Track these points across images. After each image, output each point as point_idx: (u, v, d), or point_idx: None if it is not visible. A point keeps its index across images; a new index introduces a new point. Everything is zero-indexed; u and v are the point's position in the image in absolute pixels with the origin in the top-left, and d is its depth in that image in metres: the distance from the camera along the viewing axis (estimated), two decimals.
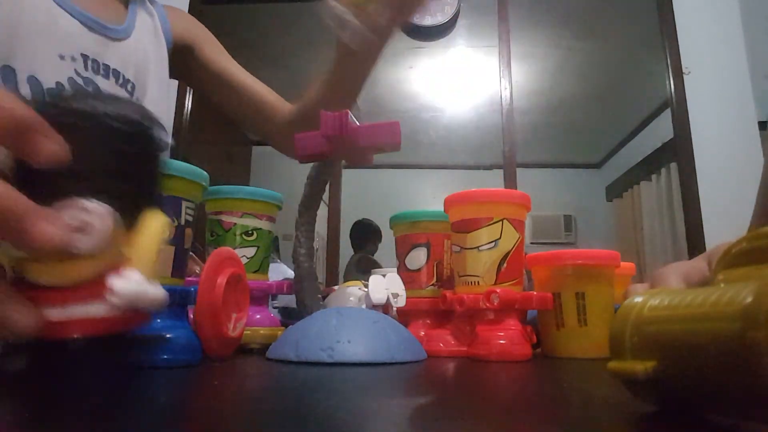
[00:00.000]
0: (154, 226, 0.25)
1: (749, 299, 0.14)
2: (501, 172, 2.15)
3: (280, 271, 2.14)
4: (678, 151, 2.10)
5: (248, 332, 0.44)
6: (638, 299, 0.19)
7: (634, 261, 0.64)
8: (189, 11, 2.00)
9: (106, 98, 0.24)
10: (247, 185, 0.52)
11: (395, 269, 0.55)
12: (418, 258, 0.52)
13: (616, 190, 3.72)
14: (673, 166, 2.65)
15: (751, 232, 0.18)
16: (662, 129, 2.58)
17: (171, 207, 0.36)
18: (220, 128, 3.36)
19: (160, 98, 0.71)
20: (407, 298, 0.46)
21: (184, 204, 0.37)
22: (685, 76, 2.10)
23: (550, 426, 0.19)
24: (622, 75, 3.02)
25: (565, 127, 3.55)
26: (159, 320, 0.33)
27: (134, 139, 0.24)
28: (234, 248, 0.45)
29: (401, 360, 0.37)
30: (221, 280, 0.35)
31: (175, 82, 0.84)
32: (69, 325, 0.22)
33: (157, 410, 0.20)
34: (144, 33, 0.69)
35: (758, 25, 2.12)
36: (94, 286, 0.23)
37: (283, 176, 1.55)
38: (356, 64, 0.64)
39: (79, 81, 0.58)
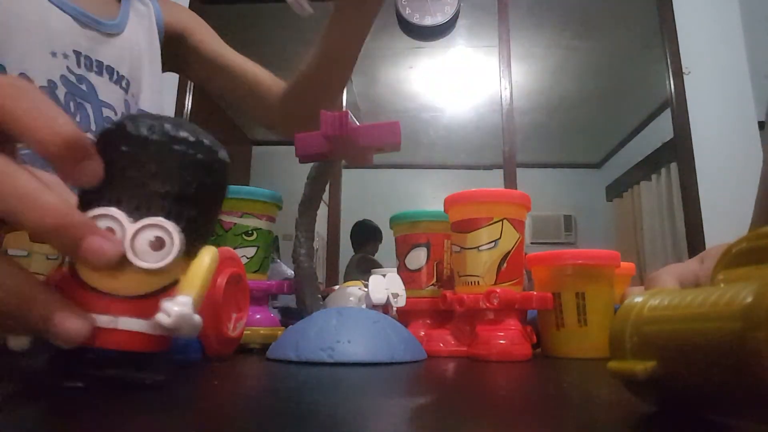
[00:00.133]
0: (208, 258, 0.25)
1: (749, 299, 0.14)
2: (501, 172, 2.16)
3: (280, 271, 2.14)
4: (678, 151, 2.11)
5: (248, 332, 0.44)
6: (638, 299, 0.19)
7: (634, 261, 0.64)
8: None
9: (176, 122, 0.25)
10: (247, 185, 0.52)
11: (395, 269, 0.55)
12: (418, 258, 0.52)
13: (616, 190, 3.73)
14: (673, 166, 2.66)
15: (751, 232, 0.18)
16: (662, 129, 2.58)
17: None
18: (220, 128, 3.36)
19: (155, 94, 0.70)
20: (407, 298, 0.46)
21: None
22: (685, 76, 2.10)
23: (550, 426, 0.19)
24: (622, 75, 3.02)
25: (565, 127, 3.56)
26: None
27: (207, 167, 0.25)
28: (234, 248, 0.45)
29: (401, 360, 0.37)
30: (221, 280, 0.35)
31: (169, 78, 0.83)
32: (114, 336, 0.23)
33: (156, 410, 0.20)
34: (138, 27, 0.68)
35: (758, 25, 2.12)
36: (147, 303, 0.23)
37: (283, 176, 1.55)
38: (348, 33, 0.62)
39: (72, 78, 0.57)
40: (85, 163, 0.22)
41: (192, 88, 2.33)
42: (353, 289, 0.51)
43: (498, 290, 0.42)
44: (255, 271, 0.50)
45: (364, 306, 0.46)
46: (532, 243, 3.64)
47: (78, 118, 0.57)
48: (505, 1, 2.28)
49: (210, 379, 0.30)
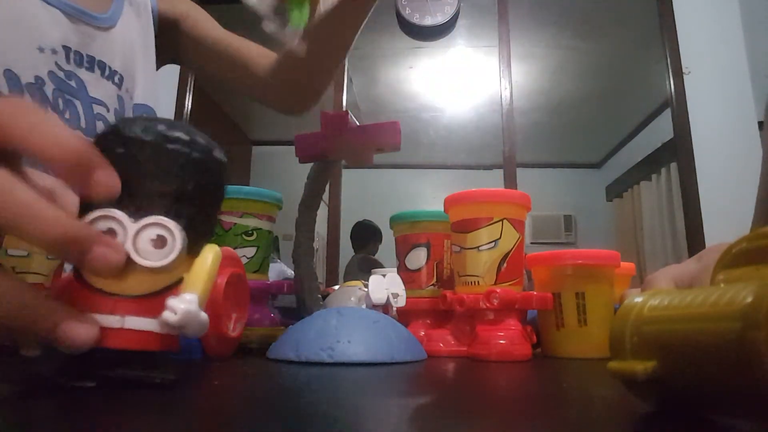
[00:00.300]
0: (212, 255, 0.25)
1: (749, 299, 0.14)
2: (501, 172, 2.16)
3: (280, 271, 2.15)
4: (678, 151, 2.11)
5: (248, 332, 0.44)
6: (638, 299, 0.19)
7: (634, 261, 0.64)
8: None
9: (170, 123, 0.25)
10: (247, 185, 0.52)
11: (395, 269, 0.55)
12: (418, 258, 0.52)
13: (616, 190, 3.72)
14: (673, 166, 2.65)
15: (751, 232, 0.18)
16: (662, 129, 2.58)
17: None
18: (220, 128, 3.36)
19: (150, 89, 0.68)
20: (407, 298, 0.46)
21: None
22: (685, 76, 2.10)
23: (550, 426, 0.19)
24: (622, 75, 3.02)
25: (565, 127, 3.55)
26: None
27: (203, 165, 0.25)
28: (234, 248, 0.45)
29: (401, 360, 0.37)
30: (221, 280, 0.35)
31: (169, 78, 0.82)
32: (122, 335, 0.23)
33: (157, 410, 0.20)
34: (132, 19, 0.66)
35: (758, 25, 2.12)
36: (153, 302, 0.23)
37: (283, 176, 1.55)
38: (343, 16, 0.60)
39: (60, 75, 0.55)
40: (98, 174, 0.22)
41: (192, 88, 2.33)
42: (353, 289, 0.51)
43: (498, 290, 0.42)
44: (255, 271, 0.50)
45: (364, 306, 0.46)
46: (532, 243, 3.63)
47: (67, 115, 0.55)
48: (505, 1, 2.28)
49: (210, 379, 0.30)
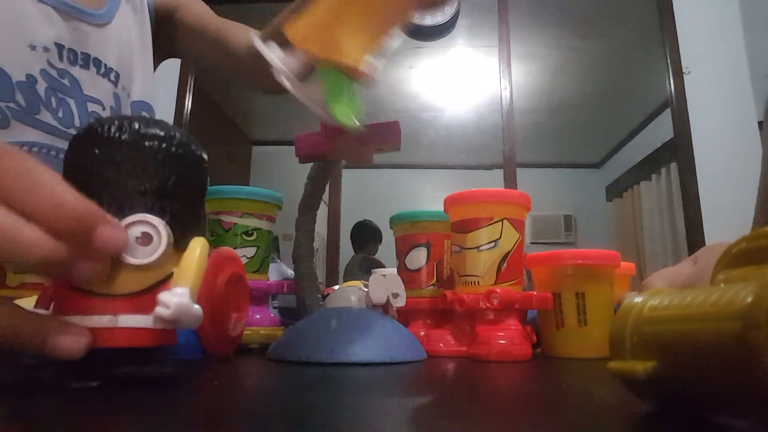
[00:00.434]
0: (199, 248, 0.26)
1: (749, 299, 0.14)
2: (501, 172, 2.16)
3: (280, 271, 2.14)
4: (678, 151, 2.11)
5: (248, 332, 0.44)
6: (638, 299, 0.19)
7: (634, 261, 0.64)
8: None
9: (146, 120, 0.25)
10: (247, 185, 0.52)
11: (395, 269, 0.55)
12: (418, 258, 0.52)
13: (616, 190, 3.72)
14: (673, 166, 2.66)
15: (751, 232, 0.18)
16: (662, 129, 2.58)
17: None
18: (220, 128, 3.37)
19: (148, 85, 0.67)
20: (407, 298, 0.46)
21: None
22: (685, 76, 2.10)
23: (550, 426, 0.19)
24: (622, 75, 3.02)
25: (565, 127, 3.55)
26: None
27: (182, 160, 0.25)
28: (234, 248, 0.45)
29: (401, 360, 0.37)
30: (221, 280, 0.35)
31: (169, 78, 0.81)
32: (117, 334, 0.23)
33: (156, 409, 0.20)
34: (128, 16, 0.65)
35: (758, 25, 2.12)
36: (144, 299, 0.23)
37: (283, 176, 1.55)
38: None
39: (53, 73, 0.54)
40: (101, 230, 0.22)
41: (192, 87, 2.33)
42: (353, 289, 0.51)
43: (498, 290, 0.42)
44: (255, 271, 0.50)
45: (364, 306, 0.46)
46: (532, 243, 3.63)
47: (60, 114, 0.55)
48: (505, 1, 2.28)
49: (210, 379, 0.30)
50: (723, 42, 2.12)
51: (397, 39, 0.39)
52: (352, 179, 2.47)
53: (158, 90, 0.72)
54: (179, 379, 0.25)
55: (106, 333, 0.23)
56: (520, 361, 0.41)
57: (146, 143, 0.24)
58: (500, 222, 0.44)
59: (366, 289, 0.47)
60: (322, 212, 2.25)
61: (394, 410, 0.22)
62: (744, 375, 0.14)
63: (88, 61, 0.58)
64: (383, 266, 2.08)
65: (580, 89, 3.21)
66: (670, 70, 2.12)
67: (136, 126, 0.24)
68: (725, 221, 1.84)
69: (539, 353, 0.48)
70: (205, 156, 0.27)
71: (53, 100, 0.54)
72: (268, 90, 0.73)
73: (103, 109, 0.60)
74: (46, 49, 0.54)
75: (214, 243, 0.49)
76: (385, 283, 0.45)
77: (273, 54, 0.34)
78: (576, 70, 3.04)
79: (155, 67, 0.72)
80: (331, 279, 2.26)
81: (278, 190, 0.52)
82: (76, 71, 0.57)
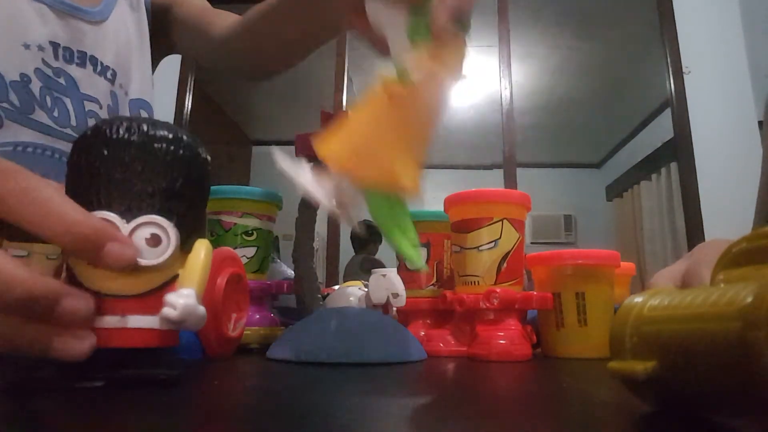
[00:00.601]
0: (204, 250, 0.26)
1: (749, 299, 0.14)
2: (501, 172, 2.16)
3: (280, 271, 2.14)
4: (678, 150, 2.11)
5: (248, 332, 0.44)
6: (638, 299, 0.19)
7: (634, 261, 0.64)
8: None
9: (153, 121, 0.25)
10: (247, 185, 0.52)
11: (395, 269, 0.55)
12: None
13: (616, 190, 3.73)
14: (673, 165, 2.66)
15: (751, 232, 0.18)
16: (662, 129, 2.59)
17: None
18: (220, 128, 3.37)
19: (146, 83, 0.66)
20: (407, 298, 0.46)
21: None
22: (685, 76, 2.10)
23: (550, 426, 0.19)
24: (622, 75, 3.02)
25: (565, 127, 3.56)
26: None
27: (189, 162, 0.26)
28: (234, 248, 0.45)
29: (401, 360, 0.37)
30: (221, 280, 0.35)
31: (169, 78, 0.80)
32: (124, 334, 0.23)
33: (157, 409, 0.20)
34: (125, 13, 0.64)
35: (758, 25, 2.12)
36: (151, 299, 0.24)
37: (283, 176, 1.54)
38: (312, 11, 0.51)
39: (48, 72, 0.53)
40: (110, 246, 0.23)
41: (192, 87, 2.33)
42: (353, 289, 0.51)
43: (498, 290, 0.42)
44: (255, 271, 0.50)
45: (364, 306, 0.46)
46: (532, 243, 3.64)
47: (56, 113, 0.54)
48: (505, 1, 2.28)
49: (210, 379, 0.30)
50: (723, 42, 2.12)
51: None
52: None
53: (158, 89, 0.71)
54: (184, 375, 0.25)
55: (114, 333, 0.23)
56: (520, 361, 0.41)
57: (155, 145, 0.25)
58: (500, 222, 0.44)
59: (366, 289, 0.47)
60: (322, 212, 2.25)
61: (394, 410, 0.22)
62: (744, 375, 0.14)
63: (84, 59, 0.57)
64: (383, 266, 2.08)
65: (580, 89, 3.21)
66: (670, 70, 2.13)
67: (145, 128, 0.25)
68: (725, 221, 1.84)
69: (539, 353, 0.48)
70: (209, 158, 0.27)
71: (48, 99, 0.54)
72: (254, 77, 0.71)
73: (100, 107, 0.59)
74: (41, 48, 0.53)
75: (214, 243, 0.49)
76: (385, 283, 0.45)
77: (305, 178, 0.30)
78: (576, 70, 3.04)
79: (155, 64, 0.71)
80: (331, 279, 2.26)
81: (278, 190, 0.52)
82: (73, 69, 0.56)
